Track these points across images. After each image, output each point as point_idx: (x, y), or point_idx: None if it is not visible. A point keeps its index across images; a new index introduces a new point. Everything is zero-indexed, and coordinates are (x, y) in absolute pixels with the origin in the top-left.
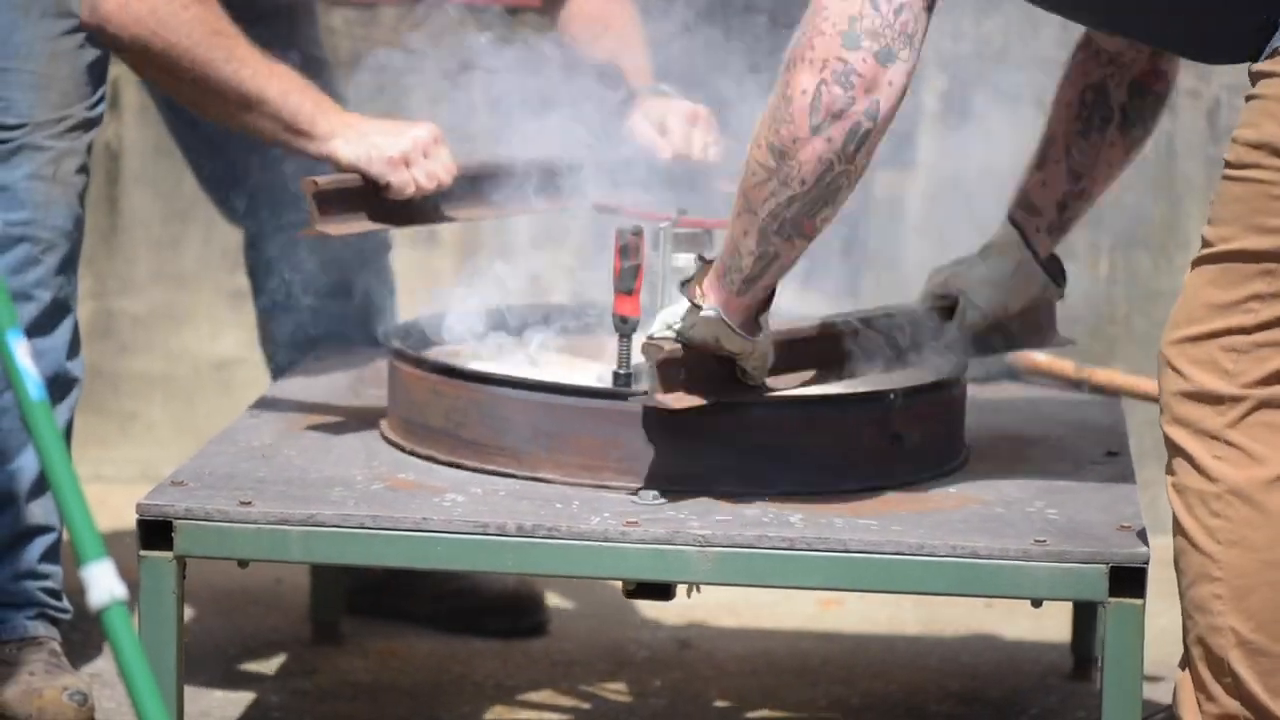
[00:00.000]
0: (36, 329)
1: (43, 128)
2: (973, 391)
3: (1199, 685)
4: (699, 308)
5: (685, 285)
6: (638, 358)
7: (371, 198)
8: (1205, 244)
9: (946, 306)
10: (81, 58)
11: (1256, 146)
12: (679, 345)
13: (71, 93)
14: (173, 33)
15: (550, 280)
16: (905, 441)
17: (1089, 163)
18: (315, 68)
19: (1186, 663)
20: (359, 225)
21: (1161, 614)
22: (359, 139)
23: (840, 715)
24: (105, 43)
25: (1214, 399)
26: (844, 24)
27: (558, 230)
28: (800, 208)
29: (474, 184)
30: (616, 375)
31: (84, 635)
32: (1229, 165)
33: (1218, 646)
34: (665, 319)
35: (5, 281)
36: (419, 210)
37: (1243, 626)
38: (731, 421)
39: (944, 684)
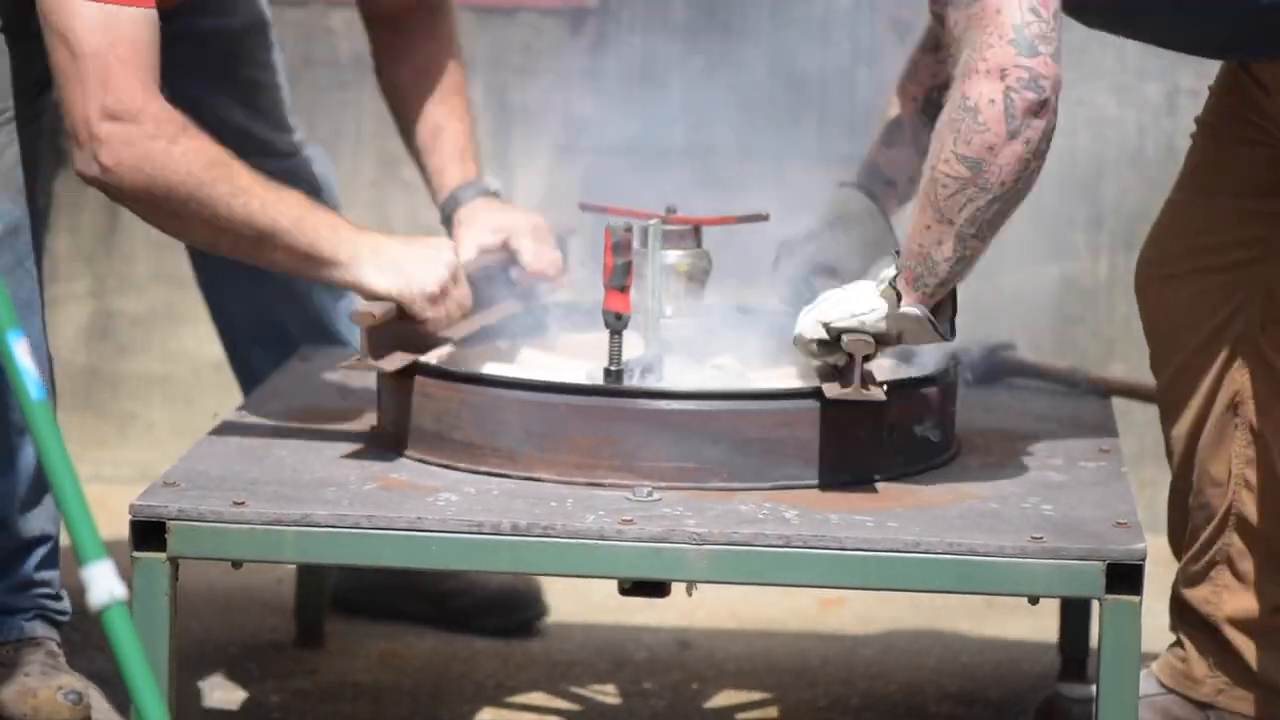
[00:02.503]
0: None
1: None
2: (963, 391)
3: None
4: (897, 300)
5: (894, 281)
6: (629, 354)
7: (401, 325)
8: None
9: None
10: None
11: None
12: (873, 340)
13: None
14: (173, 174)
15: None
16: (899, 433)
17: None
18: (259, 93)
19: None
20: (399, 358)
21: (1160, 613)
22: (391, 268)
23: (839, 715)
24: (112, 196)
25: None
26: (1011, 33)
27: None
28: (1000, 208)
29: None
30: (608, 372)
31: (84, 635)
32: None
33: None
34: (848, 309)
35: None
36: (433, 335)
37: None
38: (725, 415)
39: (943, 684)
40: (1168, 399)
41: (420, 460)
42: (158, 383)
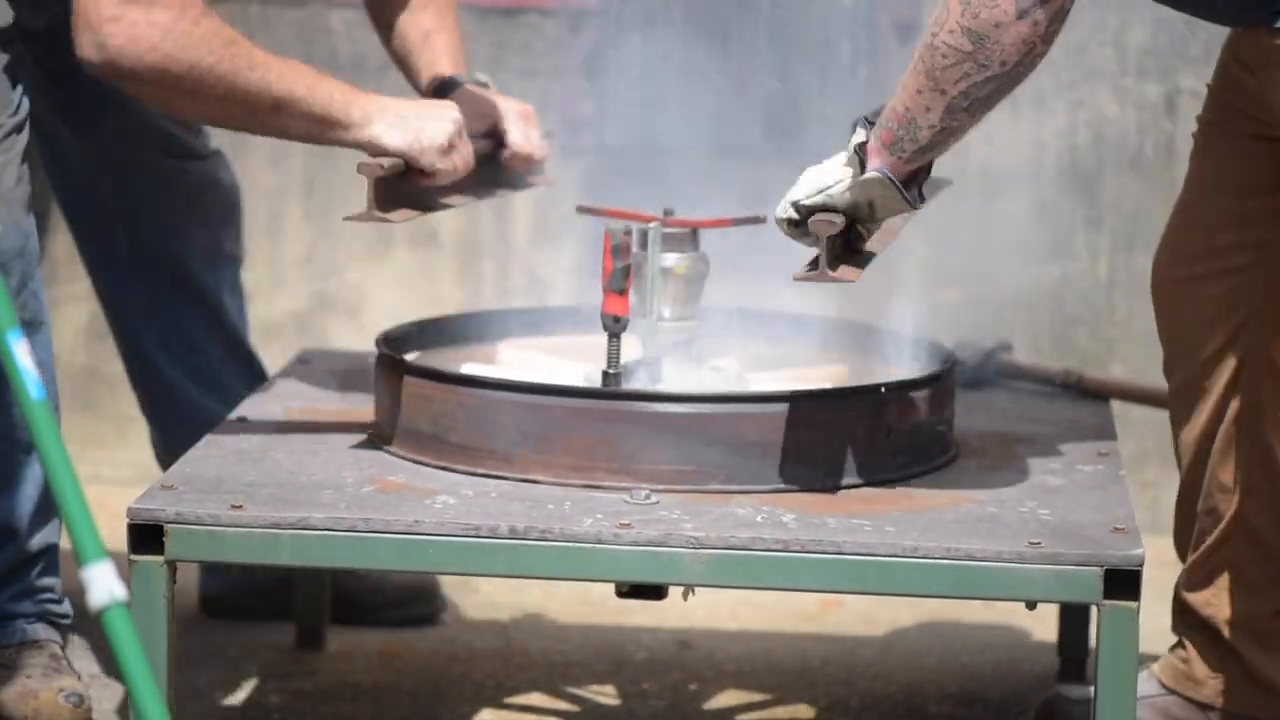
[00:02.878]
0: None
1: None
2: (961, 393)
3: None
4: (863, 169)
5: (860, 148)
6: (628, 356)
7: (406, 182)
8: None
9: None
10: None
11: None
12: (841, 217)
13: None
14: (193, 51)
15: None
16: (896, 436)
17: None
18: None
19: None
20: (404, 212)
21: (1161, 615)
22: (401, 123)
23: (840, 716)
24: (119, 78)
25: None
26: None
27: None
28: (996, 86)
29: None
30: (606, 375)
31: (84, 635)
32: None
33: None
34: (815, 183)
35: (4, 281)
36: (433, 196)
37: None
38: (723, 418)
39: (943, 685)
40: (1179, 404)
41: (417, 462)
42: None
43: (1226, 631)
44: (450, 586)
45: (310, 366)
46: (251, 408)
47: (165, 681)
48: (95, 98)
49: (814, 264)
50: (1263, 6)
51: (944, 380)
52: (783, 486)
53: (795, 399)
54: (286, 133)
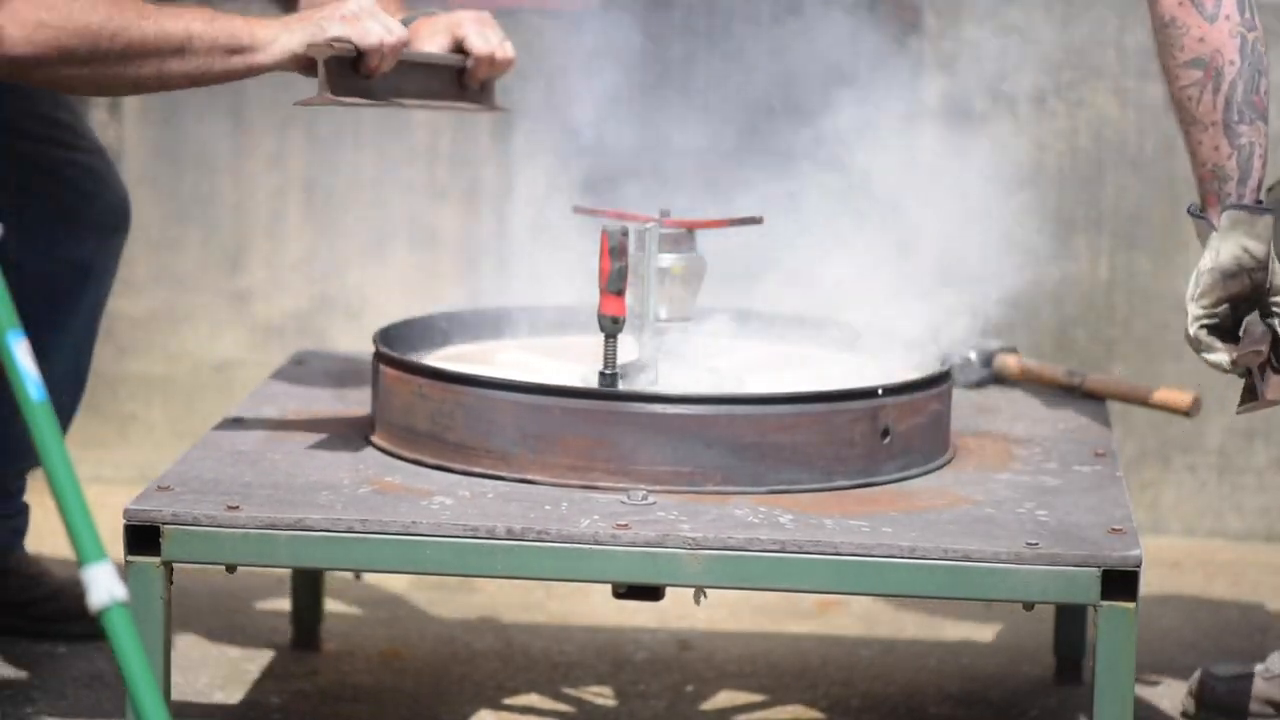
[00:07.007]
0: None
1: None
2: (960, 394)
3: None
4: (1213, 228)
5: (1198, 214)
6: (624, 357)
7: (356, 74)
8: None
9: None
10: None
11: None
12: (1265, 337)
13: None
14: (80, 17)
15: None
16: (894, 437)
17: None
18: None
19: None
20: (356, 99)
21: (1163, 616)
22: (300, 25)
23: (840, 716)
24: (19, 69)
25: None
26: None
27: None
28: (1244, 85)
29: (415, 74)
30: (603, 375)
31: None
32: None
33: None
34: (1197, 270)
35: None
36: (382, 88)
37: None
38: (720, 419)
39: (943, 685)
40: None
41: (415, 462)
42: (158, 384)
43: None
44: (450, 586)
45: (306, 367)
46: (247, 409)
47: (165, 680)
48: None
49: (1249, 392)
50: None
51: (941, 381)
52: (780, 487)
53: (793, 400)
54: (199, 75)
